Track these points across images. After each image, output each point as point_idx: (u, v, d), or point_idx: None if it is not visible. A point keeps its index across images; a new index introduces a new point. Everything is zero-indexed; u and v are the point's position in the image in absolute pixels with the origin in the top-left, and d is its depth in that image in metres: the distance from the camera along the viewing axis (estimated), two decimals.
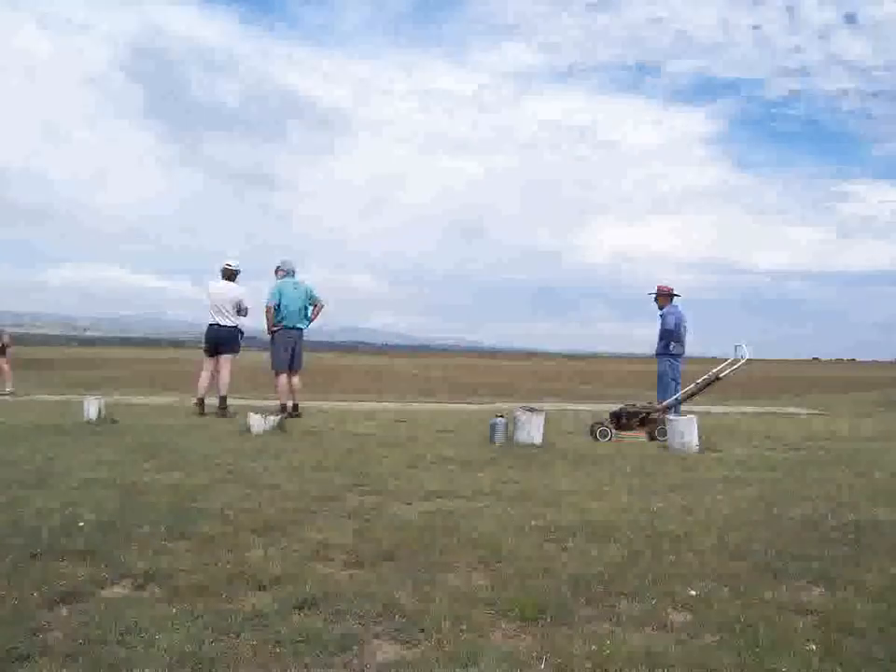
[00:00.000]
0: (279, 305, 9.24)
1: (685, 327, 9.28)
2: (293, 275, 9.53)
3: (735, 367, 8.44)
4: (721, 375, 8.45)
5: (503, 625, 2.55)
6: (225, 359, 9.48)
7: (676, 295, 9.34)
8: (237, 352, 9.63)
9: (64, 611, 2.58)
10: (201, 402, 9.29)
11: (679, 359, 9.19)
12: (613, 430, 7.86)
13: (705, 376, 8.70)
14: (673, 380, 9.09)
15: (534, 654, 2.32)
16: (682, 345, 9.20)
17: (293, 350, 9.37)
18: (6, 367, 12.81)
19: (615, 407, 8.62)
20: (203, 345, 9.74)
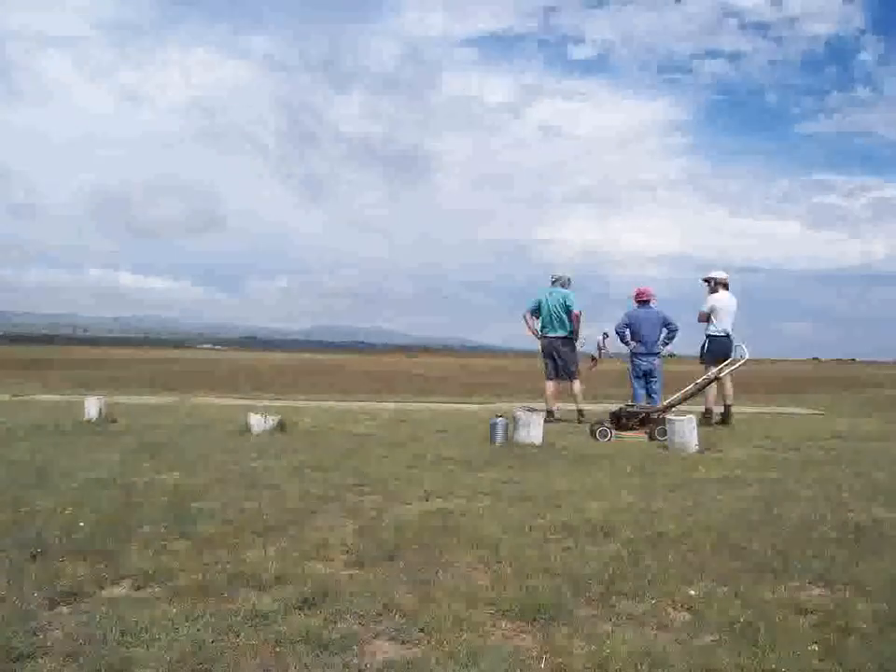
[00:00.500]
0: (538, 313, 9.53)
1: (651, 327, 9.62)
2: (560, 285, 9.56)
3: (734, 367, 8.45)
4: (720, 375, 8.46)
5: (503, 625, 2.55)
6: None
7: (643, 301, 9.69)
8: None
9: (64, 611, 2.58)
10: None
11: (644, 358, 9.54)
12: (613, 430, 7.86)
13: (704, 376, 8.71)
14: (636, 377, 9.54)
15: (534, 654, 2.32)
16: (643, 345, 9.55)
17: (555, 357, 9.46)
18: None
19: (615, 407, 8.62)
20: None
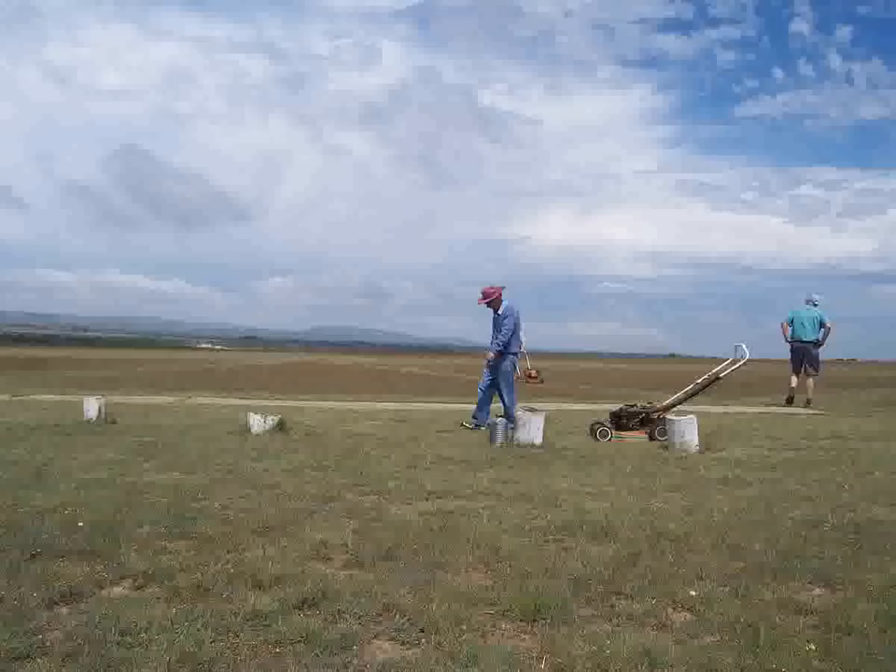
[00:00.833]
0: (791, 322, 12.94)
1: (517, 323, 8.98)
2: (814, 305, 12.91)
3: (734, 367, 8.44)
4: (721, 375, 8.45)
5: (503, 625, 2.55)
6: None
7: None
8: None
9: (64, 611, 2.58)
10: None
11: (519, 356, 8.93)
12: (613, 430, 7.86)
13: (705, 376, 8.70)
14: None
15: (534, 654, 2.32)
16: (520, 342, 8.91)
17: (801, 357, 12.91)
18: None
19: (615, 407, 8.62)
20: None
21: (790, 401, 12.92)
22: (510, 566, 3.15)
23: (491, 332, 8.98)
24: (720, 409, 12.03)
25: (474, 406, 9.06)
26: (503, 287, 8.97)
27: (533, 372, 9.32)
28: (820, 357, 13.21)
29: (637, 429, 8.03)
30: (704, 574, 3.08)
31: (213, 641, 2.32)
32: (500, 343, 8.69)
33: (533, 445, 6.93)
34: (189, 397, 12.78)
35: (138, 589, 2.82)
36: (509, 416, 8.15)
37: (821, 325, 12.81)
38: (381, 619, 2.56)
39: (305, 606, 2.64)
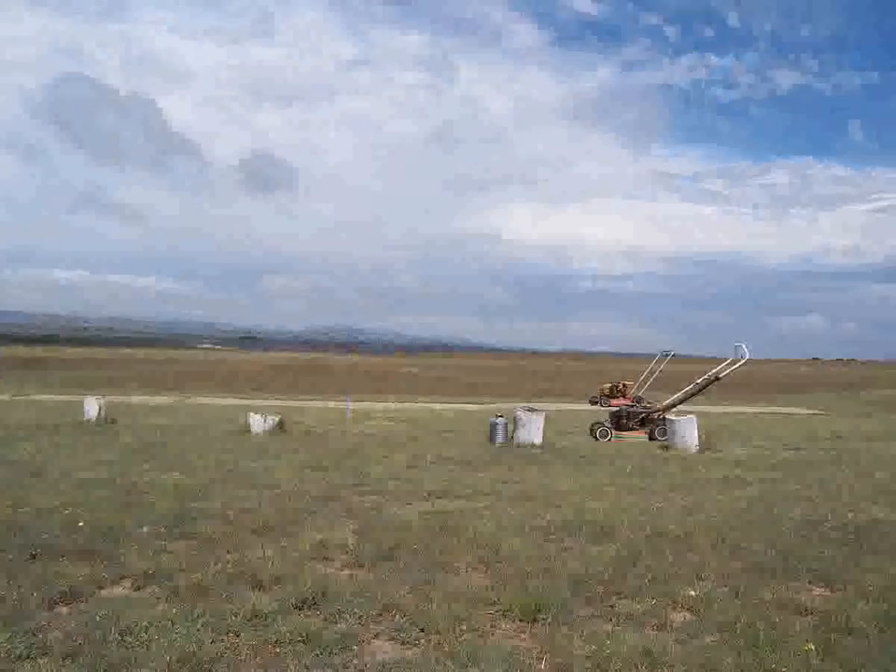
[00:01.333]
0: None
1: None
2: None
3: (734, 367, 8.45)
4: (720, 375, 8.46)
5: (503, 625, 2.55)
6: None
7: None
8: None
9: (64, 611, 2.58)
10: None
11: None
12: (613, 430, 7.87)
13: (704, 376, 8.71)
14: None
15: (534, 654, 2.32)
16: None
17: None
18: None
19: (615, 407, 8.62)
20: None
21: None
22: (510, 566, 3.15)
23: None
24: (720, 409, 12.04)
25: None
26: None
27: None
28: None
29: (637, 429, 8.05)
30: (703, 574, 3.08)
31: (213, 641, 2.32)
32: None
33: (533, 445, 6.94)
34: (189, 397, 12.79)
35: (138, 589, 2.81)
36: None
37: None
38: (381, 619, 2.56)
39: (305, 606, 2.63)
